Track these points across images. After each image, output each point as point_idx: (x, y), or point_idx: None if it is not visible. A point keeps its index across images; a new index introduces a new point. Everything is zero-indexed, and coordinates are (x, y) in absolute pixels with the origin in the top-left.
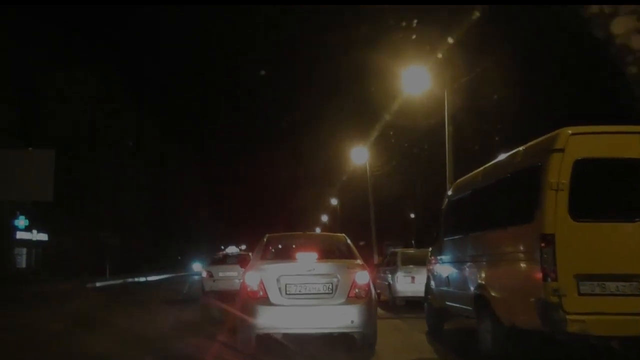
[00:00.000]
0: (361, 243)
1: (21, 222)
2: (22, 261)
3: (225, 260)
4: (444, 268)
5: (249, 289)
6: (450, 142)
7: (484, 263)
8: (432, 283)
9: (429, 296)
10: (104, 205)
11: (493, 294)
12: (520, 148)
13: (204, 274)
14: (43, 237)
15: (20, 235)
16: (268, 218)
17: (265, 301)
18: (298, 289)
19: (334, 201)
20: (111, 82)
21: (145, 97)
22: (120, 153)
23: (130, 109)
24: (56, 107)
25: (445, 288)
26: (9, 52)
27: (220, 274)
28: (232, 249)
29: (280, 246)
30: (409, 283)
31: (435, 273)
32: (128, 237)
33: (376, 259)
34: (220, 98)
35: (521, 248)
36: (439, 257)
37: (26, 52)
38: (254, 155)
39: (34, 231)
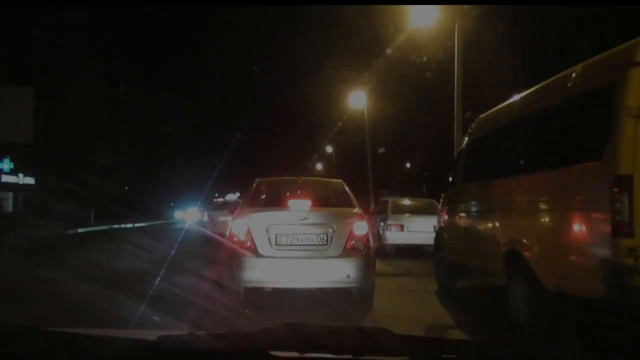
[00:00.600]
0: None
1: (6, 165)
2: (8, 205)
3: (225, 206)
4: (462, 218)
5: (235, 239)
6: (459, 83)
7: (522, 213)
8: (445, 236)
9: (440, 252)
10: (95, 150)
11: (533, 251)
12: (578, 66)
13: (206, 218)
14: (30, 181)
15: (5, 178)
16: (261, 166)
17: (253, 252)
18: (289, 239)
19: (329, 149)
20: (104, 22)
21: (140, 39)
22: (112, 97)
23: (125, 52)
24: (43, 47)
25: (462, 242)
26: None
27: (221, 219)
28: (230, 197)
29: (271, 192)
30: (398, 231)
31: (448, 224)
32: (117, 183)
33: (372, 208)
34: (214, 42)
35: (581, 194)
36: (454, 206)
37: None
38: (248, 101)
39: (20, 175)
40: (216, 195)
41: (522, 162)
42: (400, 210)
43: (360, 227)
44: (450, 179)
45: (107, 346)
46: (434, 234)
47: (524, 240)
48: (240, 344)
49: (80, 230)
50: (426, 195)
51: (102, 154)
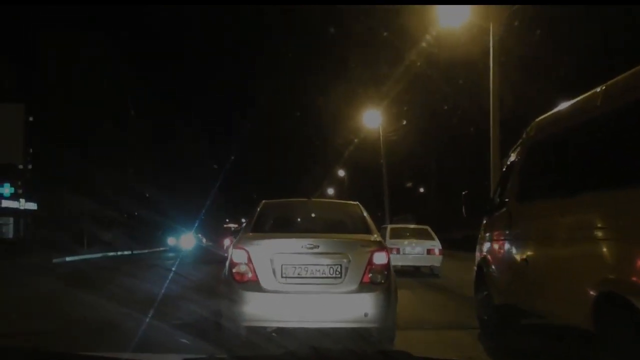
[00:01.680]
0: (379, 214)
1: (6, 190)
2: (9, 231)
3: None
4: (520, 248)
5: (235, 270)
6: (495, 89)
7: (626, 241)
8: (492, 270)
9: (485, 290)
10: (101, 176)
11: None
12: None
13: (227, 242)
14: (32, 206)
15: (6, 203)
16: (270, 189)
17: (255, 286)
18: (297, 271)
19: (341, 172)
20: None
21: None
22: (120, 122)
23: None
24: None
25: (521, 279)
26: None
27: None
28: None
29: (277, 216)
30: (394, 254)
31: (497, 255)
32: (117, 209)
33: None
34: (222, 57)
35: None
36: (506, 232)
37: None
38: (258, 123)
39: (22, 200)
40: (227, 220)
41: (622, 171)
42: (397, 236)
43: (380, 258)
44: (496, 198)
45: None
46: (427, 256)
47: (631, 280)
48: None
49: (68, 259)
50: (466, 217)
51: (107, 178)
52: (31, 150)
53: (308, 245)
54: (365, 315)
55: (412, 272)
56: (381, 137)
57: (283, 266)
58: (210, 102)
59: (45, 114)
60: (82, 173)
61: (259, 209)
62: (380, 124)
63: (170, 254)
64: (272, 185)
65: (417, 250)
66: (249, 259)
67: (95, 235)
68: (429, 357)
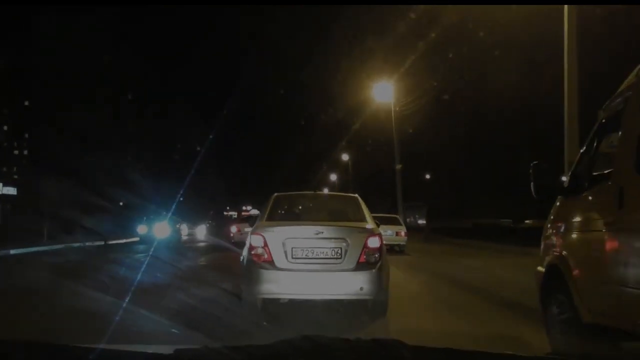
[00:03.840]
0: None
1: None
2: None
3: (250, 219)
4: (618, 242)
5: (253, 252)
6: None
7: None
8: (581, 273)
9: (565, 300)
10: (84, 160)
11: None
12: None
13: (234, 229)
14: (11, 191)
15: None
16: (269, 176)
17: (271, 265)
18: (305, 253)
19: (344, 157)
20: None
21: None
22: (114, 105)
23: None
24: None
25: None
26: None
27: (247, 230)
28: (255, 211)
29: (287, 207)
30: None
31: (589, 252)
32: (104, 195)
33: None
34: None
35: None
36: (606, 218)
37: None
38: (255, 102)
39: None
40: (227, 208)
41: None
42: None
43: (374, 242)
44: (582, 172)
45: None
46: (395, 237)
47: None
48: (257, 356)
49: (12, 251)
50: (537, 198)
51: (94, 163)
52: (27, 135)
53: (314, 232)
54: (361, 289)
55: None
56: (393, 112)
57: (293, 249)
58: (203, 80)
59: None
60: (66, 157)
61: (272, 201)
62: (393, 98)
63: (141, 247)
64: (271, 171)
65: (388, 233)
66: (265, 243)
67: (74, 223)
68: (423, 346)
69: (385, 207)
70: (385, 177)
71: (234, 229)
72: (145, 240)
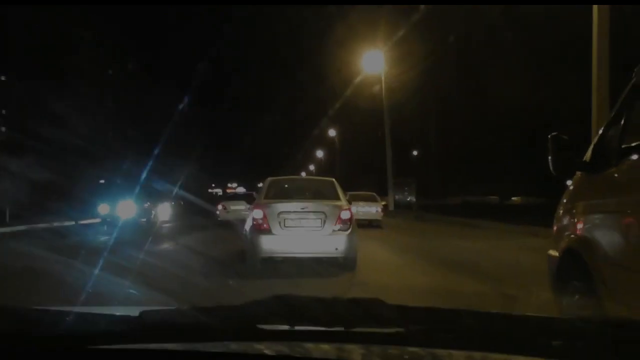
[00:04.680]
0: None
1: None
2: None
3: (236, 197)
4: None
5: (255, 223)
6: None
7: None
8: (606, 258)
9: (584, 291)
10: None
11: None
12: None
13: (220, 207)
14: None
15: None
16: (256, 153)
17: (269, 232)
18: (294, 222)
19: (332, 132)
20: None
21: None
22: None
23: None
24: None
25: None
26: None
27: (232, 207)
28: (240, 189)
29: (279, 188)
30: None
31: (618, 235)
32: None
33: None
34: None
35: None
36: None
37: None
38: (243, 80)
39: None
40: (212, 185)
41: None
42: (353, 198)
43: (345, 214)
44: (611, 144)
45: (90, 322)
46: (373, 213)
47: None
48: (227, 317)
49: None
50: (555, 174)
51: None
52: (3, 112)
53: (301, 207)
54: (336, 249)
55: (365, 225)
56: (383, 84)
57: (285, 220)
58: (184, 48)
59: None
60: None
61: (267, 183)
62: (383, 67)
63: (103, 228)
64: (256, 147)
65: (366, 210)
66: (264, 216)
67: (44, 201)
68: (403, 305)
69: (372, 183)
70: (372, 153)
71: (219, 207)
72: (107, 221)
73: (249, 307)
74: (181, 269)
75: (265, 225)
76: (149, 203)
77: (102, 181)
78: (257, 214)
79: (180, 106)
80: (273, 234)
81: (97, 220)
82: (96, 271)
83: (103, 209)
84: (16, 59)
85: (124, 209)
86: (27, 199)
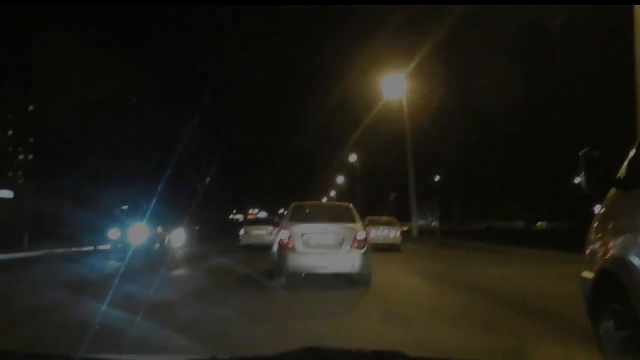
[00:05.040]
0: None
1: None
2: None
3: (257, 222)
4: None
5: (281, 242)
6: None
7: None
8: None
9: (622, 318)
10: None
11: None
12: None
13: (242, 232)
14: (8, 194)
15: None
16: (275, 179)
17: (293, 250)
18: (316, 242)
19: (352, 158)
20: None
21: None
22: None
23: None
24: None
25: None
26: None
27: (254, 232)
28: (262, 214)
29: (303, 211)
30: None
31: (638, 256)
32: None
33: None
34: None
35: None
36: None
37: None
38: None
39: None
40: (234, 212)
41: None
42: (372, 223)
43: (361, 235)
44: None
45: None
46: (391, 237)
47: None
48: None
49: None
50: (588, 192)
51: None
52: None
53: (322, 229)
54: (352, 266)
55: (385, 249)
56: (405, 107)
57: (309, 240)
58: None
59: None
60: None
61: (292, 208)
62: (404, 91)
63: (111, 257)
64: (275, 173)
65: (385, 233)
66: (290, 236)
67: (64, 227)
68: (422, 357)
69: (393, 208)
70: (394, 178)
71: (241, 231)
72: (117, 248)
73: (280, 357)
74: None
75: (290, 245)
76: (161, 228)
77: (124, 207)
78: (284, 234)
79: (193, 126)
80: (297, 252)
81: (108, 246)
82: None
83: (113, 234)
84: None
85: (135, 234)
86: (44, 224)
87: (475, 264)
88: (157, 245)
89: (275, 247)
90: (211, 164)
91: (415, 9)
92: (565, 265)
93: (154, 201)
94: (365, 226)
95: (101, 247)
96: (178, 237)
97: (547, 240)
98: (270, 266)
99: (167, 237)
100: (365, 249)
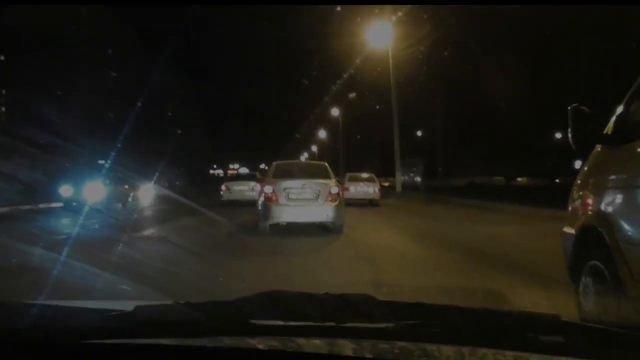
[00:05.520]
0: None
1: None
2: None
3: (239, 177)
4: None
5: (266, 196)
6: None
7: None
8: (629, 236)
9: (603, 273)
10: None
11: None
12: None
13: (223, 188)
14: None
15: None
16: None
17: (277, 203)
18: (296, 195)
19: (335, 112)
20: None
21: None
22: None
23: None
24: None
25: None
26: None
27: (235, 188)
28: (243, 170)
29: (284, 169)
30: (348, 191)
31: (626, 214)
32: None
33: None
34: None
35: None
36: None
37: None
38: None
39: None
40: (214, 167)
41: None
42: (352, 179)
43: (334, 190)
44: (630, 120)
45: (84, 317)
46: (371, 193)
47: None
48: (221, 313)
49: None
50: (576, 148)
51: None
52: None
53: (301, 184)
54: (327, 215)
55: (365, 205)
56: (390, 58)
57: (289, 194)
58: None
59: None
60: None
61: (274, 166)
62: (390, 40)
63: (64, 216)
64: (257, 126)
65: (364, 189)
66: (273, 190)
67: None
68: (393, 301)
69: (377, 164)
70: (377, 133)
71: (222, 187)
72: (70, 205)
73: (241, 303)
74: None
75: (274, 198)
76: (126, 185)
77: (81, 162)
78: (268, 189)
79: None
80: (280, 204)
81: (59, 204)
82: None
83: (65, 190)
84: None
85: (91, 191)
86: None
87: (461, 221)
88: (120, 204)
89: (260, 201)
90: (189, 117)
91: None
92: (552, 222)
93: (112, 155)
94: (338, 182)
95: (54, 204)
96: (147, 194)
97: (529, 196)
98: (252, 219)
99: (132, 194)
100: (338, 202)
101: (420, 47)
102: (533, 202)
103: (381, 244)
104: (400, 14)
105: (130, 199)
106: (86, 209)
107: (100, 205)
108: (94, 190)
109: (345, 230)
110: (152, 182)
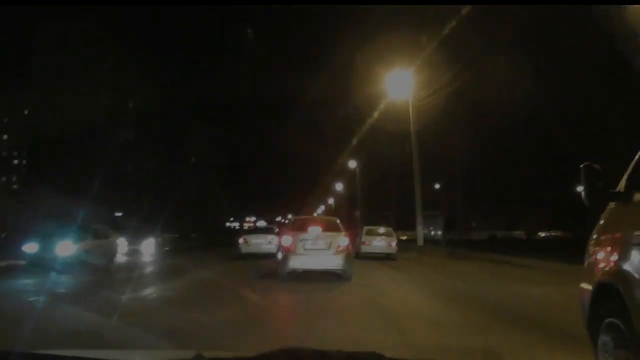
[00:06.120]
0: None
1: None
2: None
3: (256, 230)
4: None
5: (285, 246)
6: None
7: None
8: (637, 293)
9: (623, 331)
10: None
11: None
12: None
13: (241, 240)
14: None
15: None
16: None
17: (294, 252)
18: (311, 246)
19: (352, 164)
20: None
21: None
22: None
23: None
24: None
25: None
26: None
27: (254, 241)
28: (261, 223)
29: (301, 222)
30: (366, 245)
31: (637, 269)
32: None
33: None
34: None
35: None
36: None
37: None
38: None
39: None
40: (231, 219)
41: None
42: (369, 233)
43: (344, 241)
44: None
45: None
46: (387, 247)
47: None
48: None
49: None
50: (589, 205)
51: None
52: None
53: (315, 235)
54: (338, 264)
55: (382, 258)
56: (410, 107)
57: (305, 244)
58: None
59: None
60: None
61: (293, 220)
62: (411, 91)
63: (23, 276)
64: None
65: (382, 244)
66: (292, 241)
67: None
68: (398, 358)
69: (394, 216)
70: (395, 185)
71: (241, 240)
72: (35, 263)
73: (260, 358)
74: None
75: (292, 248)
76: (110, 239)
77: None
78: (287, 240)
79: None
80: (297, 254)
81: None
82: None
83: (29, 247)
84: None
85: (62, 247)
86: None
87: (497, 280)
88: (104, 261)
89: (279, 251)
90: (207, 169)
91: (425, 8)
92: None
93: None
94: (349, 235)
95: (17, 262)
96: (147, 249)
97: (554, 251)
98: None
99: (134, 249)
100: (347, 252)
101: (439, 98)
102: (557, 257)
103: (412, 308)
104: (419, 62)
105: (115, 256)
106: (54, 266)
107: (71, 262)
108: (63, 246)
109: (375, 297)
110: (155, 236)
